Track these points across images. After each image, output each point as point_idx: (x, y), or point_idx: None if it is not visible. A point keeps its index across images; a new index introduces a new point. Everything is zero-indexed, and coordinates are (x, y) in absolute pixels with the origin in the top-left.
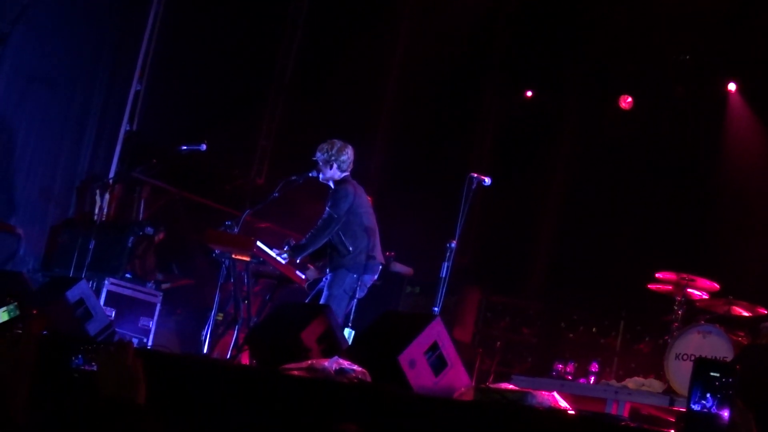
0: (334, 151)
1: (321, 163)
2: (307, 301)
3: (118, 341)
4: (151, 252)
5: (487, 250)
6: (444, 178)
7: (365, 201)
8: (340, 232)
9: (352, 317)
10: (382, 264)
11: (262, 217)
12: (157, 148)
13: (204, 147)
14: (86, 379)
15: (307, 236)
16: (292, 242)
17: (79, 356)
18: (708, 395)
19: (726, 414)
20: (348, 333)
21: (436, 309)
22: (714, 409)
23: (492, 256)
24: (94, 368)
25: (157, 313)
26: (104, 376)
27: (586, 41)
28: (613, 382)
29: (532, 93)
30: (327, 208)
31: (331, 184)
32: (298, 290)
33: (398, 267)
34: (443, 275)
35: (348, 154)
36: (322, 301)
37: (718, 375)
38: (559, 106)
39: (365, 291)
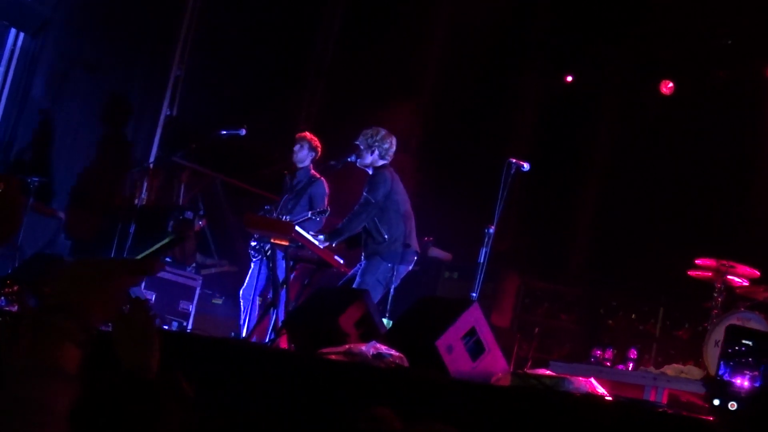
0: (378, 137)
1: (362, 148)
2: (341, 283)
3: (133, 300)
4: (190, 236)
5: (526, 236)
6: (483, 161)
7: (402, 189)
8: (376, 219)
9: (389, 307)
10: (417, 253)
11: None
12: (197, 132)
13: (243, 131)
14: (104, 340)
15: (344, 221)
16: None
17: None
18: (737, 362)
19: (754, 383)
20: (385, 324)
21: (474, 294)
22: (744, 378)
23: (531, 242)
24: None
25: (196, 296)
26: (119, 339)
27: (627, 25)
28: (652, 368)
29: (573, 77)
30: (364, 193)
31: (370, 171)
32: (337, 275)
33: (436, 252)
34: (481, 260)
35: (390, 143)
36: (354, 287)
37: (750, 343)
38: (599, 90)
39: (399, 281)
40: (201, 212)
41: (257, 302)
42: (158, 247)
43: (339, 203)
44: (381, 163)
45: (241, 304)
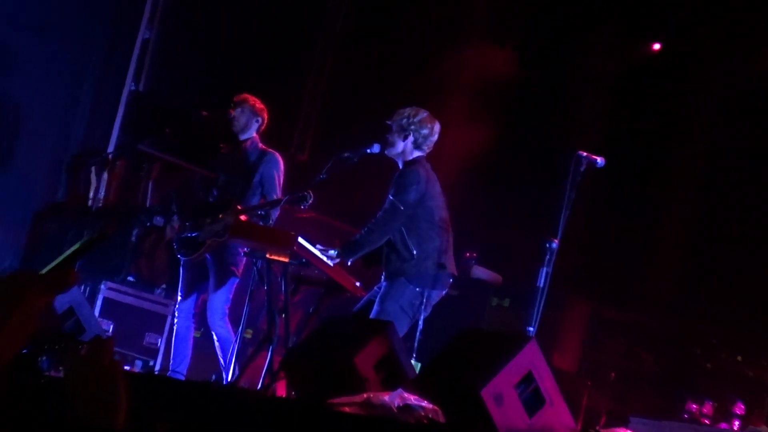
0: (416, 119)
1: (394, 129)
2: (355, 310)
3: (93, 338)
4: (161, 248)
5: (599, 251)
6: (542, 156)
7: (439, 191)
8: (404, 230)
9: (416, 344)
10: (454, 276)
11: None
12: (171, 113)
13: (232, 114)
14: (55, 388)
15: (363, 231)
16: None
17: (45, 357)
18: None
19: None
20: (414, 366)
21: (531, 329)
22: None
23: (604, 259)
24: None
25: (167, 327)
26: (74, 388)
27: None
28: (765, 428)
29: (661, 45)
30: (390, 196)
31: (400, 163)
32: (350, 301)
33: (481, 272)
34: (541, 284)
35: (431, 130)
36: (371, 317)
37: None
38: (695, 62)
39: (430, 310)
40: (174, 216)
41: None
42: (72, 252)
43: (357, 206)
44: (415, 154)
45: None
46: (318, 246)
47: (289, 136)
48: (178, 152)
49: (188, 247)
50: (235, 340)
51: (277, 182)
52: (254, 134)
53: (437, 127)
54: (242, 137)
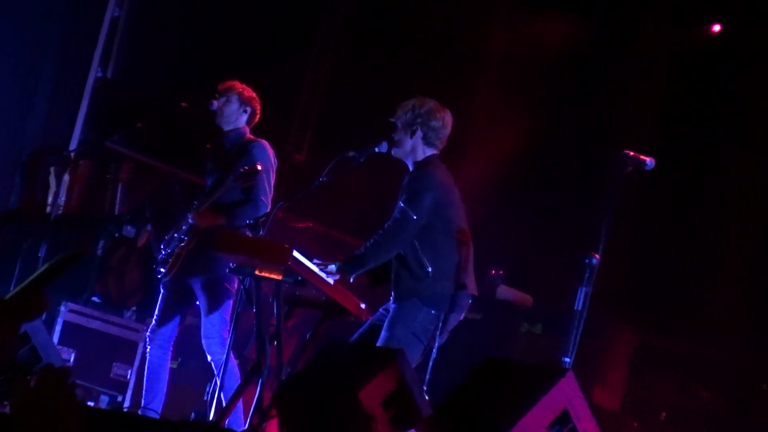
0: (422, 111)
1: (400, 127)
2: (355, 337)
3: (43, 368)
4: (132, 263)
5: (647, 268)
6: (580, 158)
7: (458, 197)
8: (417, 243)
9: (428, 375)
10: (475, 297)
11: (302, 213)
12: (145, 104)
13: (214, 105)
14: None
15: (369, 244)
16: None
17: None
18: None
19: None
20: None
21: (567, 359)
22: None
23: (654, 278)
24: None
25: (138, 356)
26: (21, 425)
27: None
28: None
29: (721, 27)
30: (401, 203)
31: (410, 165)
32: (353, 326)
33: (509, 293)
34: (579, 306)
35: (443, 122)
36: (378, 344)
37: None
38: (762, 46)
39: (446, 336)
40: (147, 227)
41: (233, 361)
42: (40, 274)
43: (362, 214)
44: (428, 153)
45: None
46: (316, 261)
47: (285, 133)
48: (152, 150)
49: (164, 265)
50: (219, 371)
51: (271, 173)
52: (243, 126)
53: (448, 117)
54: (227, 129)
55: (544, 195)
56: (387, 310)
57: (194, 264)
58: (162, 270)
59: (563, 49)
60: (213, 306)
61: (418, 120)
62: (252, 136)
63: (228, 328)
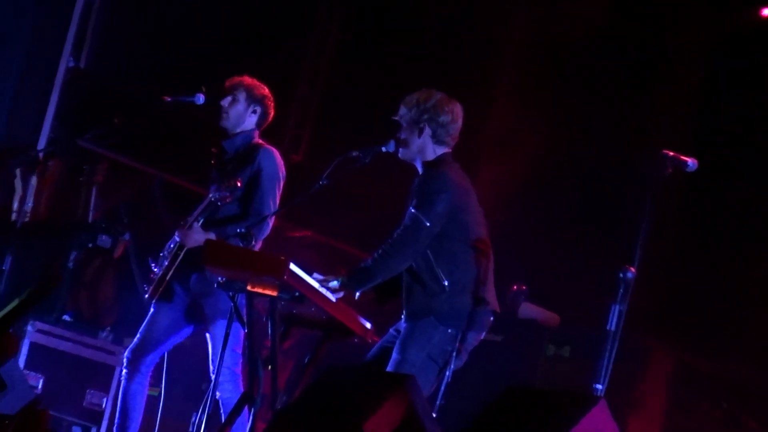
0: (429, 105)
1: (405, 126)
2: (365, 361)
3: (23, 409)
4: (108, 277)
5: (688, 283)
6: (612, 159)
7: (475, 203)
8: (430, 254)
9: (439, 401)
10: (495, 312)
11: (299, 220)
12: (122, 98)
13: (201, 98)
14: None
15: (376, 255)
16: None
17: None
18: None
19: None
20: None
21: (598, 386)
22: None
23: (696, 294)
24: None
25: (115, 382)
26: None
27: None
28: None
29: None
30: (411, 209)
31: (419, 167)
32: (359, 348)
33: (533, 311)
34: (612, 327)
35: (452, 114)
36: (389, 369)
37: None
38: None
39: (465, 358)
40: (125, 236)
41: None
42: (8, 311)
43: (367, 222)
44: (438, 151)
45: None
46: (316, 275)
47: (280, 130)
48: (131, 149)
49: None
50: (206, 399)
51: (277, 186)
52: (253, 128)
53: (458, 110)
54: (235, 131)
55: (572, 200)
56: (398, 331)
57: (194, 289)
58: (146, 288)
59: (593, 36)
60: (225, 341)
61: (425, 116)
62: (261, 141)
63: (240, 364)
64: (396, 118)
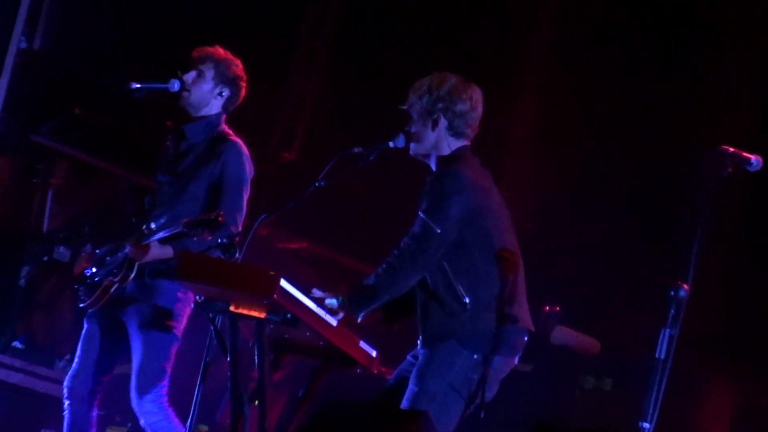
0: (443, 92)
1: (416, 117)
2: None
3: None
4: (66, 297)
5: (752, 304)
6: (661, 157)
7: (498, 203)
8: (446, 265)
9: None
10: (529, 332)
11: (292, 229)
12: (83, 85)
13: (178, 85)
14: None
15: (381, 269)
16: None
17: None
18: None
19: None
20: None
21: (645, 425)
22: None
23: (759, 316)
24: None
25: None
26: None
27: None
28: None
29: None
30: (420, 213)
31: (433, 163)
32: (363, 381)
33: (568, 336)
34: (661, 354)
35: (471, 102)
36: (405, 403)
37: None
38: None
39: (497, 387)
40: (87, 248)
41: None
42: None
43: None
44: (454, 145)
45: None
46: (314, 293)
47: (270, 124)
48: (94, 146)
49: (89, 291)
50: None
51: (245, 189)
52: (219, 111)
53: (477, 95)
54: (197, 114)
55: (614, 206)
56: (416, 358)
57: (128, 293)
58: (83, 298)
59: (637, 17)
60: (148, 352)
61: (439, 105)
62: (227, 130)
63: (166, 384)
64: (405, 108)
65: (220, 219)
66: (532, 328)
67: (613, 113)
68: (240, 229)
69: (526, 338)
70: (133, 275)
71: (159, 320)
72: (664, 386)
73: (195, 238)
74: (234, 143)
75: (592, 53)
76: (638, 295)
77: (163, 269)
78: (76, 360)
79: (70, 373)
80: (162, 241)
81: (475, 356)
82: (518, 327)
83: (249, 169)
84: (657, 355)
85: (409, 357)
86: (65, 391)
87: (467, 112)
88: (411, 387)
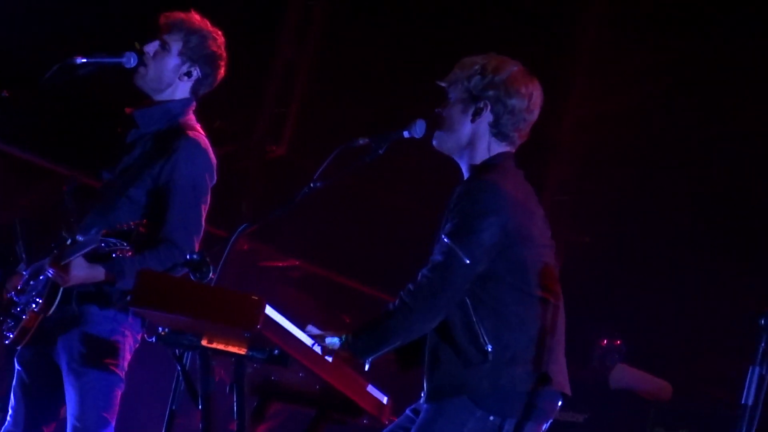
0: (500, 78)
1: (454, 98)
2: None
3: None
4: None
5: None
6: (744, 157)
7: (540, 227)
8: (469, 303)
9: None
10: (563, 395)
11: (281, 243)
12: (13, 61)
13: (134, 60)
14: None
15: (392, 308)
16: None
17: None
18: None
19: None
20: None
21: None
22: None
23: None
24: None
25: None
26: None
27: None
28: None
29: None
30: (445, 237)
31: (464, 166)
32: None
33: (631, 378)
34: (748, 400)
35: (528, 100)
36: None
37: None
38: None
39: None
40: (21, 267)
41: None
42: None
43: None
44: (496, 150)
45: None
46: (309, 330)
47: (254, 112)
48: (28, 138)
49: (14, 324)
50: None
51: (200, 196)
52: (187, 95)
53: (538, 94)
54: (158, 97)
55: (690, 215)
56: (416, 412)
57: (53, 325)
58: (7, 334)
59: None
60: (84, 397)
61: (490, 92)
62: (190, 122)
63: None
64: (443, 84)
65: (142, 230)
66: (569, 393)
67: (688, 99)
68: (194, 252)
69: (559, 404)
70: (56, 303)
71: (92, 357)
72: None
73: (114, 255)
74: (190, 139)
75: (661, 24)
76: (720, 327)
77: (93, 292)
78: (10, 412)
79: (3, 429)
80: (90, 259)
81: (492, 418)
82: (552, 389)
83: (209, 173)
84: (743, 401)
85: (408, 411)
86: None
87: (521, 111)
88: None
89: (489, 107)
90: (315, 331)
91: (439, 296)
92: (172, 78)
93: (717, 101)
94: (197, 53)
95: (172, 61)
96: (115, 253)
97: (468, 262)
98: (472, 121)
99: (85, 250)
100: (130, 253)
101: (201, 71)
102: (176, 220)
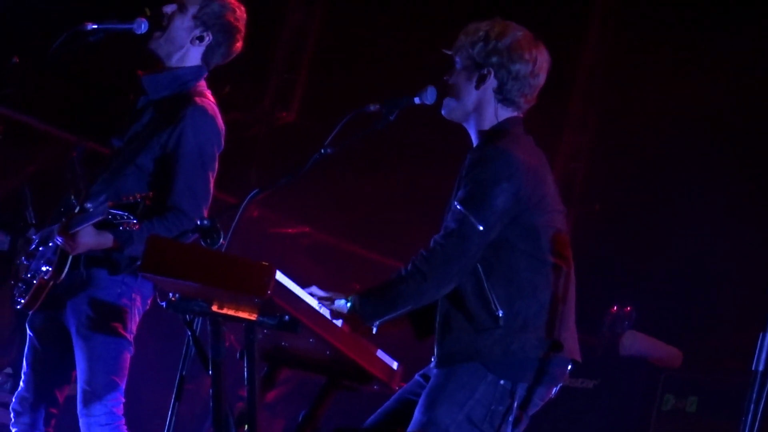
0: (503, 44)
1: (461, 66)
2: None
3: None
4: (4, 294)
5: None
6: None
7: (552, 192)
8: (481, 269)
9: None
10: (573, 362)
11: (291, 210)
12: (22, 27)
13: (145, 26)
14: None
15: (404, 273)
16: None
17: None
18: None
19: None
20: None
21: None
22: None
23: None
24: None
25: None
26: None
27: None
28: None
29: None
30: (457, 205)
31: (473, 133)
32: (380, 400)
33: (641, 345)
34: (759, 367)
35: (533, 65)
36: None
37: None
38: None
39: (525, 423)
40: (30, 233)
41: None
42: None
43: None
44: (503, 115)
45: None
46: (313, 291)
47: (263, 77)
48: (37, 105)
49: (25, 289)
50: None
51: (207, 164)
52: (198, 62)
53: (544, 58)
54: (170, 62)
55: (703, 181)
56: (426, 377)
57: (63, 289)
58: (18, 299)
59: None
60: (93, 361)
61: (494, 58)
62: (200, 87)
63: (121, 398)
64: (450, 53)
65: (148, 203)
66: (579, 359)
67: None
68: (204, 218)
69: (570, 367)
70: (66, 270)
71: (101, 321)
72: (762, 407)
73: (121, 228)
74: (198, 106)
75: None
76: (732, 294)
77: (100, 257)
78: (23, 378)
79: (16, 393)
80: (98, 226)
81: (502, 382)
82: (562, 356)
83: (217, 140)
84: (754, 368)
85: (417, 376)
86: (12, 414)
87: (526, 76)
88: (417, 416)
89: (492, 74)
90: (320, 293)
91: (452, 263)
92: (183, 39)
93: (739, 65)
94: (212, 19)
95: (186, 22)
96: (122, 226)
97: (481, 228)
98: (477, 88)
99: (93, 221)
100: (137, 227)
101: (213, 38)
102: (184, 187)
